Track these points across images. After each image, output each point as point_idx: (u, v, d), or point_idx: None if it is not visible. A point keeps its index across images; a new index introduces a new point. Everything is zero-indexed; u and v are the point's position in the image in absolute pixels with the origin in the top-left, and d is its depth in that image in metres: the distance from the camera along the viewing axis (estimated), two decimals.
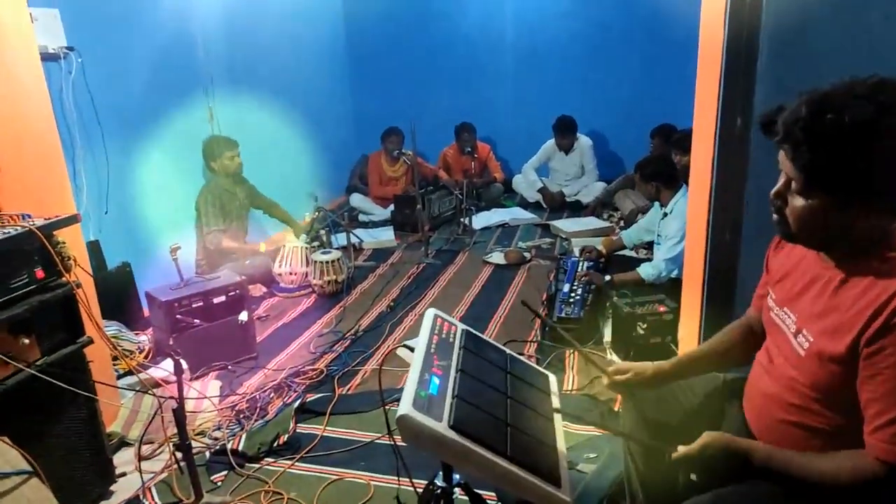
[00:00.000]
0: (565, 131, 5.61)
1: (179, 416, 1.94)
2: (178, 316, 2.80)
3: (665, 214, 3.37)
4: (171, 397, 1.99)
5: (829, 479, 1.07)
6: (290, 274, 3.82)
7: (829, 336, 1.09)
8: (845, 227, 1.06)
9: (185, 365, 2.70)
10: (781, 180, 1.11)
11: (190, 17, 3.93)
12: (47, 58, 2.87)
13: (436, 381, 1.32)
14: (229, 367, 2.93)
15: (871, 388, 1.03)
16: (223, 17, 4.23)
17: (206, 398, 2.60)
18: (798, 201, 1.07)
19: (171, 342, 2.75)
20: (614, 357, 2.87)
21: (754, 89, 1.66)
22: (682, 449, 1.18)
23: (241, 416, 2.52)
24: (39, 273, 1.80)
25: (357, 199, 5.77)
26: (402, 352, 2.01)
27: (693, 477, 1.20)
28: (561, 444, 1.41)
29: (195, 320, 2.84)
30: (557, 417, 1.51)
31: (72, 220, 1.94)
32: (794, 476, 1.10)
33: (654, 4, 5.55)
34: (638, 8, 5.71)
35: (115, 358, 2.60)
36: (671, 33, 4.84)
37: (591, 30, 5.90)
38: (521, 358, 1.66)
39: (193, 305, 2.85)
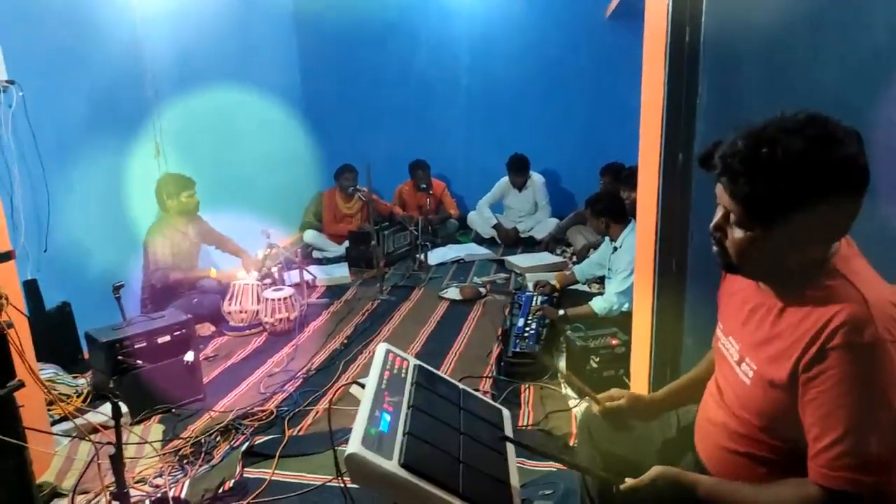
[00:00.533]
0: (519, 169, 5.72)
1: (117, 462, 1.84)
2: (119, 357, 2.68)
3: (615, 249, 3.44)
4: (109, 443, 1.88)
5: None
6: (240, 312, 3.72)
7: (771, 363, 1.11)
8: (783, 257, 1.09)
9: (125, 408, 2.60)
10: (720, 213, 1.13)
11: (139, 53, 3.87)
12: None
13: (387, 417, 1.29)
14: (173, 410, 2.80)
15: (809, 413, 1.04)
16: (174, 54, 4.19)
17: (147, 443, 2.48)
18: (738, 233, 1.10)
19: (111, 385, 2.62)
20: (569, 391, 2.87)
21: (695, 126, 1.72)
22: (630, 481, 1.18)
23: (185, 461, 2.40)
24: None
25: (311, 236, 5.70)
26: (355, 390, 1.97)
27: None
28: (514, 480, 1.38)
29: (138, 361, 2.72)
30: (511, 453, 1.49)
31: (5, 256, 1.85)
32: None
33: (604, 46, 5.78)
34: (588, 50, 5.93)
35: (50, 403, 2.46)
36: (620, 74, 5.03)
37: (544, 70, 6.08)
38: (475, 393, 1.64)
39: (136, 346, 2.74)
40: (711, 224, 1.15)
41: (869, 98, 1.48)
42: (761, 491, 1.11)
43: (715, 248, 1.17)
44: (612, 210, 3.44)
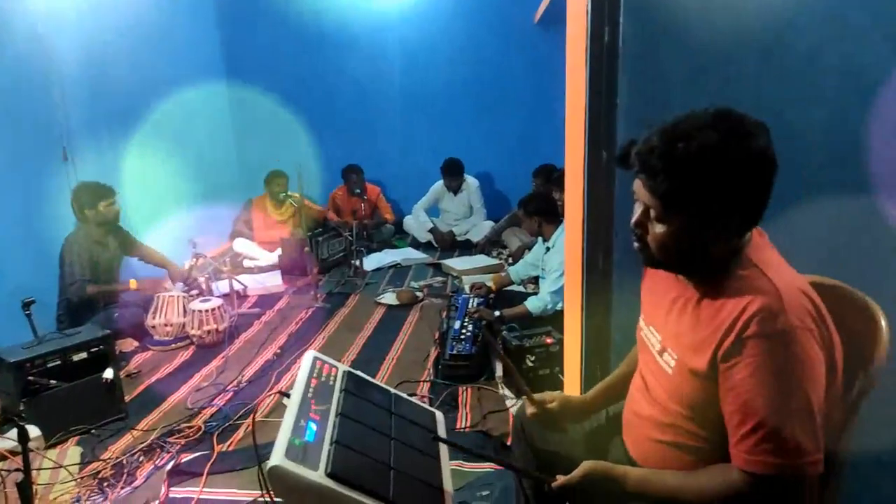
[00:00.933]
0: (453, 173, 5.73)
1: (26, 490, 1.72)
2: (30, 377, 2.50)
3: (548, 249, 3.48)
4: (17, 469, 1.76)
5: (698, 496, 1.10)
6: (165, 325, 3.56)
7: (691, 352, 1.13)
8: (702, 249, 1.11)
9: (36, 432, 2.43)
10: (639, 210, 1.15)
11: (42, 50, 3.63)
12: None
13: (313, 427, 1.25)
14: (92, 430, 2.64)
15: (729, 401, 1.07)
16: (82, 51, 3.94)
17: (62, 467, 2.32)
18: (658, 227, 1.12)
19: (21, 408, 2.45)
20: (506, 392, 2.88)
21: (616, 125, 1.75)
22: (561, 478, 1.18)
23: (105, 484, 2.27)
24: None
25: (241, 245, 5.53)
26: (287, 401, 1.90)
27: None
28: (447, 483, 1.36)
29: (51, 381, 2.55)
30: (445, 457, 1.46)
31: None
32: (668, 496, 1.12)
33: (534, 51, 5.88)
34: (519, 55, 6.01)
35: None
36: (550, 77, 5.13)
37: (477, 75, 6.13)
38: (407, 397, 1.62)
39: (49, 365, 2.56)
40: (632, 221, 1.17)
41: (788, 95, 1.55)
42: (687, 478, 1.13)
43: (636, 245, 1.19)
44: (545, 210, 3.49)
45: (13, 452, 2.21)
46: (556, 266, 3.25)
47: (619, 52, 1.70)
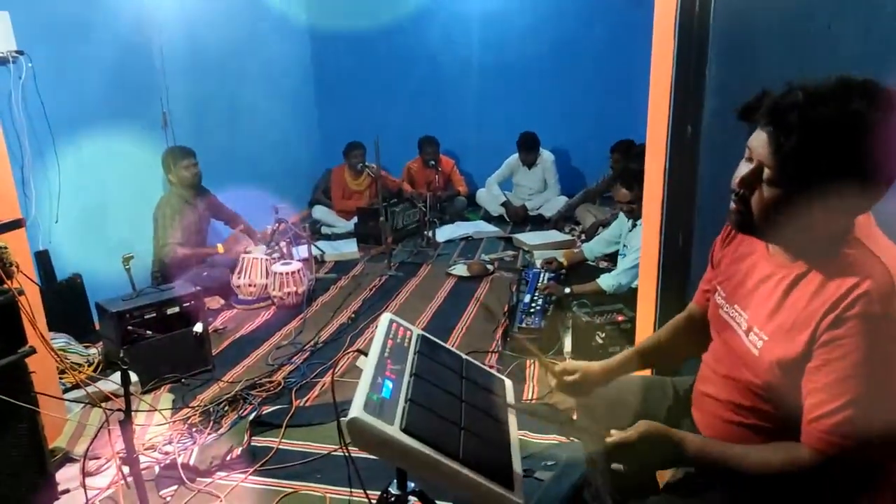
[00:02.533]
0: (529, 147, 5.68)
1: (127, 429, 1.88)
2: (129, 327, 2.72)
3: (634, 225, 3.39)
4: (119, 410, 1.92)
5: (760, 468, 1.08)
6: (249, 285, 3.75)
7: (783, 334, 1.09)
8: (810, 220, 1.04)
9: (135, 377, 2.64)
10: (748, 167, 1.08)
11: (148, 23, 3.86)
12: None
13: (389, 384, 1.30)
14: (183, 380, 2.85)
15: (815, 379, 1.03)
16: (183, 25, 4.17)
17: (156, 411, 2.52)
18: (768, 190, 1.05)
19: (121, 354, 2.66)
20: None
21: (704, 100, 1.70)
22: (617, 434, 1.17)
23: (194, 429, 2.45)
24: None
25: (320, 212, 5.72)
26: (361, 362, 1.98)
27: (620, 467, 1.18)
28: (515, 449, 1.40)
29: (147, 332, 2.76)
30: (513, 422, 1.50)
31: (16, 224, 1.87)
32: (727, 467, 1.10)
33: (617, 22, 5.70)
34: (599, 26, 5.85)
35: (62, 371, 2.51)
36: (631, 50, 4.95)
37: (555, 47, 6.01)
38: (477, 363, 1.65)
39: (146, 317, 2.77)
40: (738, 178, 1.09)
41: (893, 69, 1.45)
42: (750, 451, 1.11)
43: (733, 206, 1.11)
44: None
45: (115, 394, 2.42)
46: (639, 244, 3.18)
47: (710, 23, 1.64)
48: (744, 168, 1.09)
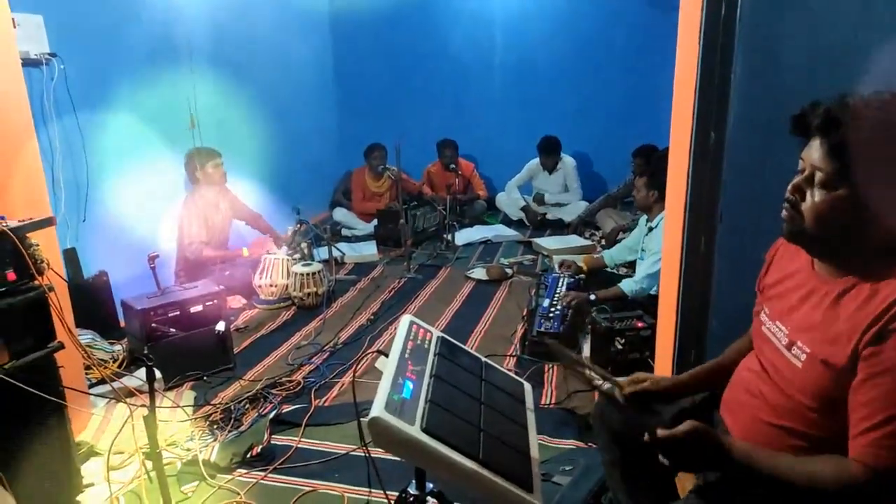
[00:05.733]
0: (550, 151, 5.67)
1: (151, 424, 1.91)
2: (153, 325, 2.76)
3: (650, 229, 3.38)
4: (143, 406, 1.95)
5: (809, 481, 1.07)
6: (270, 286, 3.80)
7: (827, 345, 1.09)
8: (862, 227, 1.06)
9: (158, 374, 2.68)
10: (801, 175, 1.11)
11: (176, 28, 3.94)
12: (29, 63, 2.86)
13: (409, 385, 1.32)
14: (205, 377, 2.89)
15: (861, 392, 1.04)
16: (209, 29, 4.25)
17: (179, 407, 2.56)
18: (820, 195, 1.07)
19: (145, 351, 2.71)
20: (593, 374, 2.87)
21: (728, 105, 1.69)
22: (664, 431, 1.15)
23: (215, 426, 2.48)
24: (11, 275, 1.78)
25: (340, 214, 5.76)
26: (380, 363, 1.99)
27: (664, 461, 1.17)
28: (534, 451, 1.40)
29: (171, 329, 2.81)
30: (532, 427, 1.50)
31: (47, 222, 1.92)
32: (773, 475, 1.09)
33: (639, 26, 5.68)
34: (623, 30, 5.84)
35: (87, 367, 2.56)
36: (654, 54, 4.93)
37: (577, 50, 6.01)
38: (496, 366, 1.66)
39: (170, 315, 2.82)
40: (791, 184, 1.12)
41: None
42: (798, 462, 1.10)
43: (785, 213, 1.14)
44: (665, 186, 3.35)
45: (139, 390, 2.46)
46: (658, 248, 3.15)
47: (736, 28, 1.63)
48: (797, 177, 1.12)
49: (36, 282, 1.85)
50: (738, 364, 1.40)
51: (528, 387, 1.67)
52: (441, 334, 1.62)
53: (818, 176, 1.07)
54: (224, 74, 4.44)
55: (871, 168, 1.01)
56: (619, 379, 1.49)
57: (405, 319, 1.59)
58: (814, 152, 1.08)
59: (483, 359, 1.65)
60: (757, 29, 1.62)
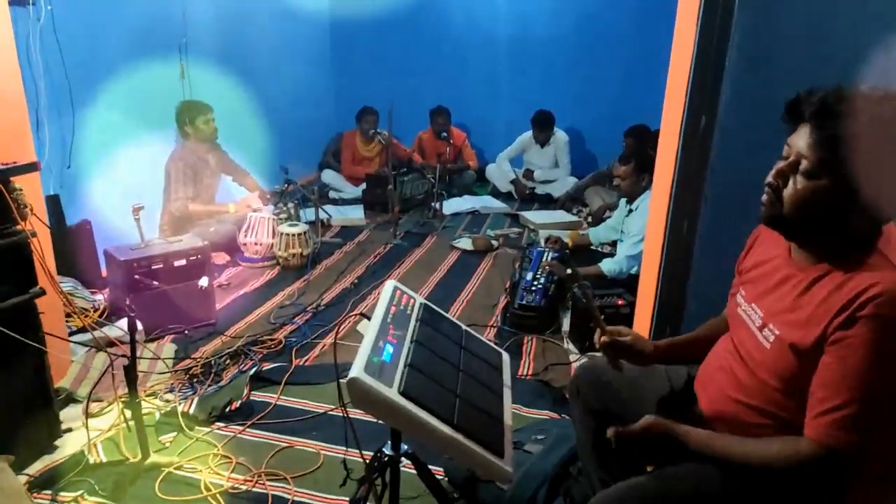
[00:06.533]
0: (543, 125, 5.65)
1: (131, 374, 1.93)
2: (136, 276, 2.76)
3: (630, 211, 3.43)
4: (124, 355, 1.97)
5: (763, 463, 1.11)
6: (255, 244, 3.79)
7: (797, 328, 1.13)
8: (840, 217, 1.09)
9: (140, 325, 2.69)
10: (784, 162, 1.12)
11: None
12: (15, 2, 2.78)
13: (389, 348, 1.34)
14: (186, 331, 2.90)
15: (823, 375, 1.07)
16: None
17: (159, 359, 2.58)
18: (803, 183, 1.09)
19: (127, 302, 2.70)
20: (570, 346, 2.93)
21: (720, 91, 1.70)
22: (621, 428, 1.20)
23: (195, 380, 2.50)
24: None
25: (329, 176, 5.73)
26: (361, 327, 2.01)
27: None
28: (508, 419, 1.44)
29: (154, 282, 2.80)
30: (507, 395, 1.54)
31: (31, 167, 1.90)
32: (729, 460, 1.14)
33: (639, 6, 5.62)
34: (624, 9, 5.77)
35: (68, 314, 2.55)
36: (653, 34, 4.90)
37: (577, 26, 5.94)
38: (476, 334, 1.69)
39: (153, 267, 2.81)
40: (774, 169, 1.14)
41: None
42: (752, 444, 1.14)
43: (765, 198, 1.16)
44: (650, 170, 3.38)
45: (120, 340, 2.47)
46: (637, 230, 3.20)
47: (734, 15, 1.63)
48: (779, 163, 1.13)
49: (18, 227, 1.84)
50: (713, 340, 1.43)
51: (506, 357, 1.70)
52: (424, 301, 1.63)
53: (803, 164, 1.09)
54: (217, 25, 4.35)
55: (858, 161, 1.02)
56: (609, 328, 1.51)
57: (389, 284, 1.60)
58: (801, 140, 1.10)
59: (464, 327, 1.67)
60: (755, 18, 1.62)
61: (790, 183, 1.11)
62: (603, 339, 1.48)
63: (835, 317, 1.06)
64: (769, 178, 1.15)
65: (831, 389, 1.05)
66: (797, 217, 1.12)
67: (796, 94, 1.13)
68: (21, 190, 1.84)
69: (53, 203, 3.11)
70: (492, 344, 1.74)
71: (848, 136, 1.03)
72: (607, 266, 3.29)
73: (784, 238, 1.23)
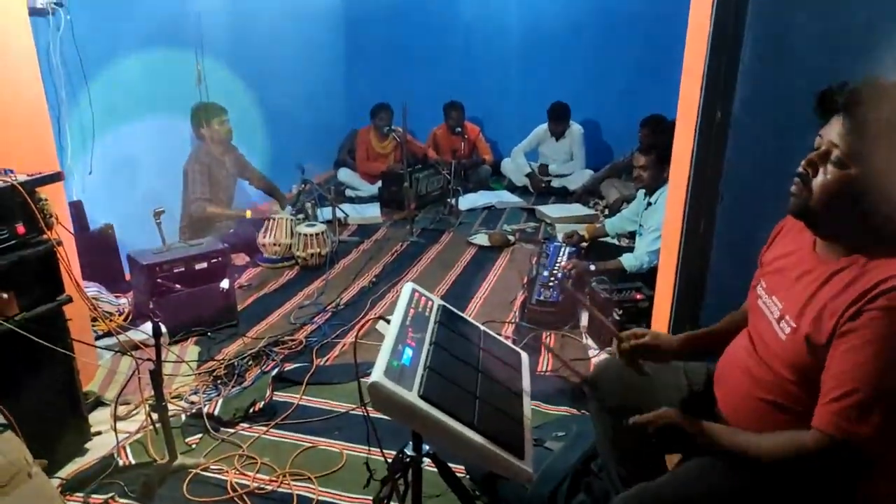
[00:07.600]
0: (559, 117, 5.62)
1: (156, 377, 1.97)
2: (158, 280, 2.81)
3: (649, 204, 3.40)
4: (149, 359, 2.01)
5: (769, 455, 1.13)
6: (274, 245, 3.83)
7: (811, 321, 1.13)
8: (866, 211, 1.08)
9: (164, 329, 2.73)
10: (816, 151, 1.12)
11: None
12: (35, 13, 2.83)
13: (409, 352, 1.35)
14: (209, 333, 2.95)
15: (831, 365, 1.08)
16: None
17: (184, 362, 2.62)
18: (832, 170, 1.09)
19: (150, 306, 2.76)
20: (589, 342, 2.93)
21: (735, 85, 1.69)
22: (638, 417, 1.25)
23: (219, 381, 2.54)
24: (20, 229, 1.81)
25: (344, 174, 5.76)
26: (381, 325, 2.04)
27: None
28: (528, 420, 1.45)
29: (176, 285, 2.85)
30: (526, 393, 1.55)
31: (55, 177, 1.94)
32: (734, 451, 1.17)
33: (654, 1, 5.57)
34: (639, 1, 5.71)
35: (94, 319, 2.61)
36: (668, 26, 4.84)
37: (591, 18, 5.90)
38: (494, 334, 1.70)
39: (175, 270, 2.86)
40: (805, 159, 1.13)
41: None
42: (762, 439, 1.17)
43: (794, 188, 1.15)
44: (669, 161, 3.34)
45: (145, 344, 2.51)
46: (656, 225, 3.18)
47: (748, 9, 1.62)
48: (813, 153, 1.13)
49: (45, 236, 1.88)
50: (732, 334, 1.44)
51: (524, 356, 1.71)
52: (442, 302, 1.65)
53: (834, 153, 1.08)
54: (232, 26, 4.38)
55: (889, 152, 1.02)
56: (624, 333, 1.52)
57: (407, 287, 1.61)
58: (833, 130, 1.09)
59: (482, 328, 1.68)
60: (769, 12, 1.60)
61: (820, 173, 1.11)
62: (622, 345, 1.49)
63: (846, 308, 1.07)
64: (799, 168, 1.14)
65: (838, 379, 1.06)
66: (824, 207, 1.12)
67: (828, 85, 1.12)
68: (46, 200, 1.88)
69: (77, 209, 3.17)
70: (510, 343, 1.74)
71: (880, 126, 1.03)
72: (628, 261, 3.27)
73: (809, 230, 1.22)
